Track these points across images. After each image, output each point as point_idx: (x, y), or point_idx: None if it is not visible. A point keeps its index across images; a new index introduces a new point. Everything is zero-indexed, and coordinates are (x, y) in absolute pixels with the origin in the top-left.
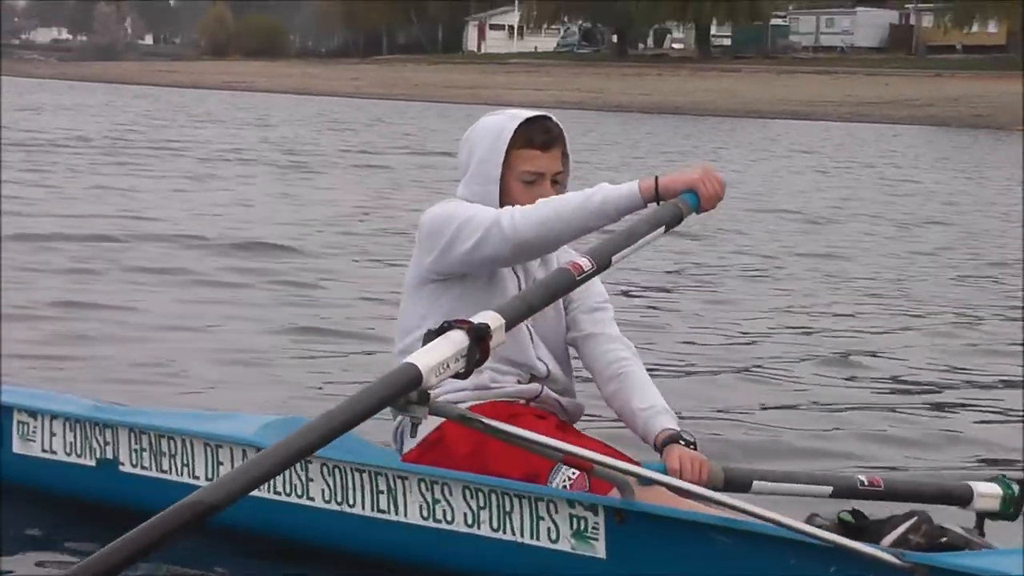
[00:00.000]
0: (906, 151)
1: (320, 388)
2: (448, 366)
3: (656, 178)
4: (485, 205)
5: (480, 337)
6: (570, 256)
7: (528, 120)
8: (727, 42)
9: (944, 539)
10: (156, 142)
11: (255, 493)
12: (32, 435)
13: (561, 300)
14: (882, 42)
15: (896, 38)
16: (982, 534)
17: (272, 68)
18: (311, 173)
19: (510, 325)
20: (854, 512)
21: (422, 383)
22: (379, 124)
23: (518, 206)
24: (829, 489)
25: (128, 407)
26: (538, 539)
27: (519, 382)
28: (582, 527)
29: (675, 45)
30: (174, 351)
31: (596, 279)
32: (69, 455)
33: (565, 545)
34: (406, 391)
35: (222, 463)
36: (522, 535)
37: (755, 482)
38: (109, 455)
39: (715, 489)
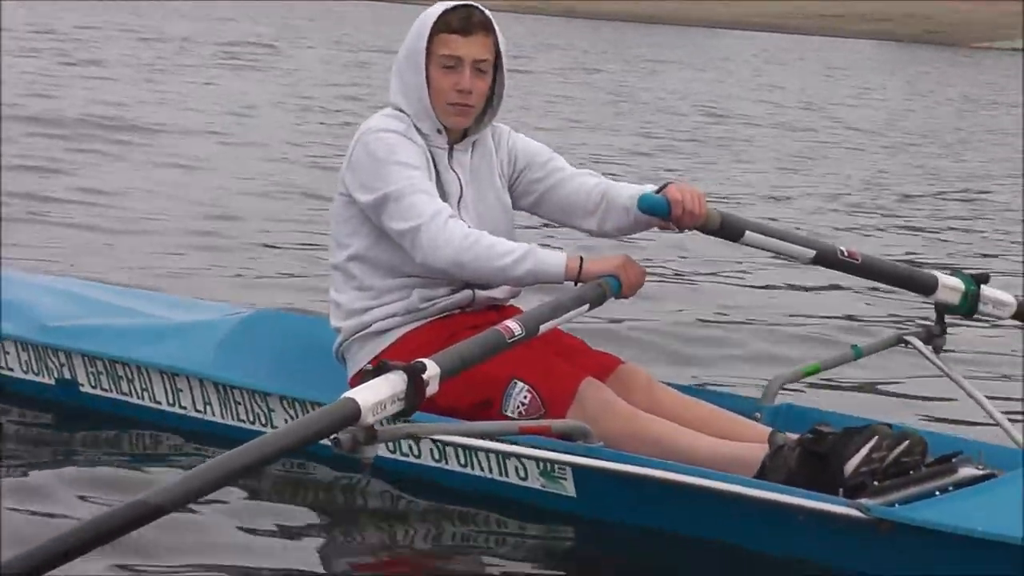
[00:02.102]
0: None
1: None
2: (385, 407)
3: (581, 259)
4: (418, 97)
5: (416, 379)
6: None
7: (450, 8)
8: None
9: (906, 443)
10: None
11: (222, 420)
12: None
13: (500, 180)
14: None
15: None
16: (943, 330)
17: None
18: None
19: (445, 376)
20: (814, 431)
21: (360, 420)
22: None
23: (452, 221)
24: (812, 253)
25: (80, 323)
26: (507, 476)
27: (453, 292)
28: (549, 468)
29: None
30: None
31: (530, 140)
32: (27, 373)
33: (535, 483)
34: (345, 425)
35: (181, 390)
36: (490, 472)
37: (747, 232)
38: (67, 376)
39: (710, 231)
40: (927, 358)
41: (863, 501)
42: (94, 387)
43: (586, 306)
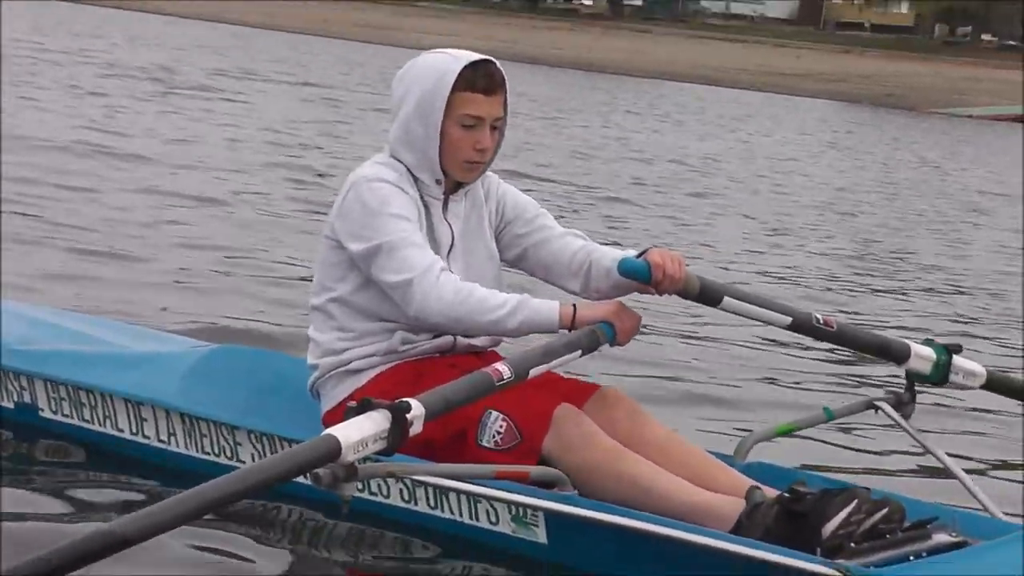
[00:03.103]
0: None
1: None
2: (367, 445)
3: (574, 307)
4: (424, 149)
5: (400, 419)
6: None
7: (471, 63)
8: (638, 2)
9: (885, 510)
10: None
11: (186, 452)
12: None
13: (489, 230)
14: (791, 14)
15: (805, 11)
16: (913, 397)
17: None
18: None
19: (429, 417)
20: (792, 491)
21: (340, 457)
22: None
23: (444, 275)
24: (788, 320)
25: (43, 348)
26: (477, 520)
27: (434, 336)
28: (521, 513)
29: (585, 1)
30: None
31: (518, 193)
32: None
33: (505, 528)
34: (325, 461)
35: (145, 419)
36: (460, 515)
37: (725, 298)
38: (27, 400)
39: (689, 296)
40: (897, 423)
41: (842, 562)
42: (55, 412)
43: (578, 352)
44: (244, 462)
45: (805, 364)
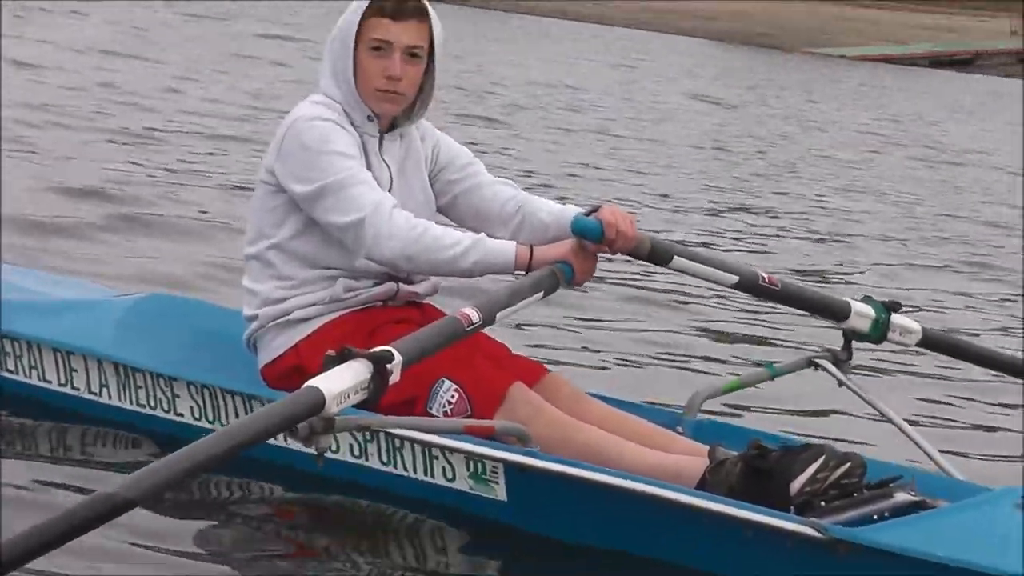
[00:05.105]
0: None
1: None
2: (349, 396)
3: (531, 248)
4: (344, 81)
5: (382, 368)
6: None
7: None
8: None
9: (848, 464)
10: None
11: (119, 404)
12: None
13: (427, 176)
14: None
15: None
16: (850, 355)
17: None
18: None
19: (405, 365)
20: (757, 446)
21: (324, 410)
22: None
23: (395, 212)
24: (735, 279)
25: None
26: (432, 477)
27: (376, 284)
28: (480, 470)
29: None
30: None
31: (453, 141)
32: None
33: (463, 485)
34: (311, 414)
35: (75, 370)
36: (415, 472)
37: (675, 257)
38: None
39: (640, 255)
40: (840, 381)
41: (818, 520)
42: None
43: (540, 293)
44: (182, 415)
45: (751, 320)
